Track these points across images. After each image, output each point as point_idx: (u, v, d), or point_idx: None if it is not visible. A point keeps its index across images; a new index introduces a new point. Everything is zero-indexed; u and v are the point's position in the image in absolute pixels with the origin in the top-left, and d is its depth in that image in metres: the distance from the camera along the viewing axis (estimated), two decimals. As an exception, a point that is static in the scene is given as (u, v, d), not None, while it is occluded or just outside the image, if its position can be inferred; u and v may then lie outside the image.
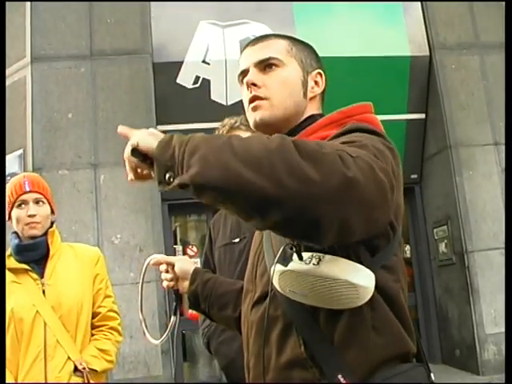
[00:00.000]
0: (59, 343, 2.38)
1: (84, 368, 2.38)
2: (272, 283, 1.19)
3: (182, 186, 1.06)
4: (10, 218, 2.55)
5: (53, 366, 2.36)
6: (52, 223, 2.60)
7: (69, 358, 2.38)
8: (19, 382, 2.34)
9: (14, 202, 2.51)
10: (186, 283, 1.65)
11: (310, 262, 1.12)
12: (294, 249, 1.13)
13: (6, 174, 5.25)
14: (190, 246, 6.20)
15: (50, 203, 2.58)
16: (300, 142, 1.02)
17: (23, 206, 2.50)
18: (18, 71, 5.49)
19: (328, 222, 1.00)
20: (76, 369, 2.38)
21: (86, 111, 5.36)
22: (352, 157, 1.01)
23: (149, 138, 1.13)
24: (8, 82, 5.50)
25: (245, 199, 1.00)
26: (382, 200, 1.04)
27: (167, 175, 1.07)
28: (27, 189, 2.50)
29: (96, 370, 2.43)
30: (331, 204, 0.98)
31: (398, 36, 6.11)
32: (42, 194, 2.54)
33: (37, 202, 2.52)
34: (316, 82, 1.46)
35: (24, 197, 2.50)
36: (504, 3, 5.43)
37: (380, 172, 1.03)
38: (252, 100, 1.40)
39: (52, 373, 2.35)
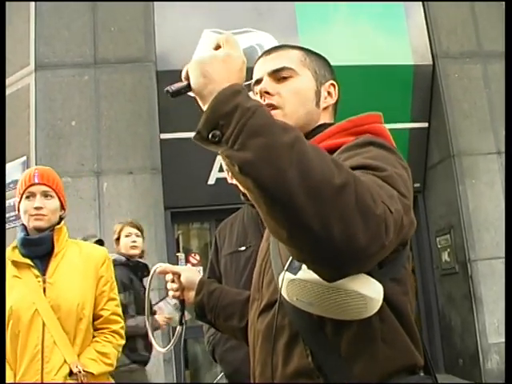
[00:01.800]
0: (56, 345, 2.33)
1: (80, 371, 2.32)
2: (280, 291, 1.18)
3: (224, 157, 1.00)
4: (18, 209, 2.50)
5: (49, 368, 2.31)
6: (61, 219, 2.55)
7: (65, 361, 2.33)
8: (18, 382, 2.30)
9: (23, 194, 2.47)
10: (192, 293, 1.65)
11: None
12: None
13: (9, 181, 5.27)
14: (193, 254, 6.19)
15: (60, 198, 2.52)
16: (360, 186, 0.97)
17: (31, 198, 2.46)
18: (22, 79, 5.51)
19: (347, 269, 1.01)
20: (72, 372, 2.32)
21: (89, 119, 5.38)
22: (391, 212, 1.00)
23: (200, 79, 1.14)
24: (12, 89, 5.52)
25: (283, 215, 0.96)
26: (403, 240, 1.06)
27: (213, 132, 1.01)
28: (36, 181, 2.46)
29: (93, 373, 2.37)
30: (359, 259, 0.98)
31: (401, 45, 6.13)
32: (50, 187, 2.48)
33: (45, 195, 2.47)
34: (329, 93, 1.47)
35: (32, 189, 2.46)
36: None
37: (406, 219, 1.06)
38: None
39: (48, 375, 2.30)
